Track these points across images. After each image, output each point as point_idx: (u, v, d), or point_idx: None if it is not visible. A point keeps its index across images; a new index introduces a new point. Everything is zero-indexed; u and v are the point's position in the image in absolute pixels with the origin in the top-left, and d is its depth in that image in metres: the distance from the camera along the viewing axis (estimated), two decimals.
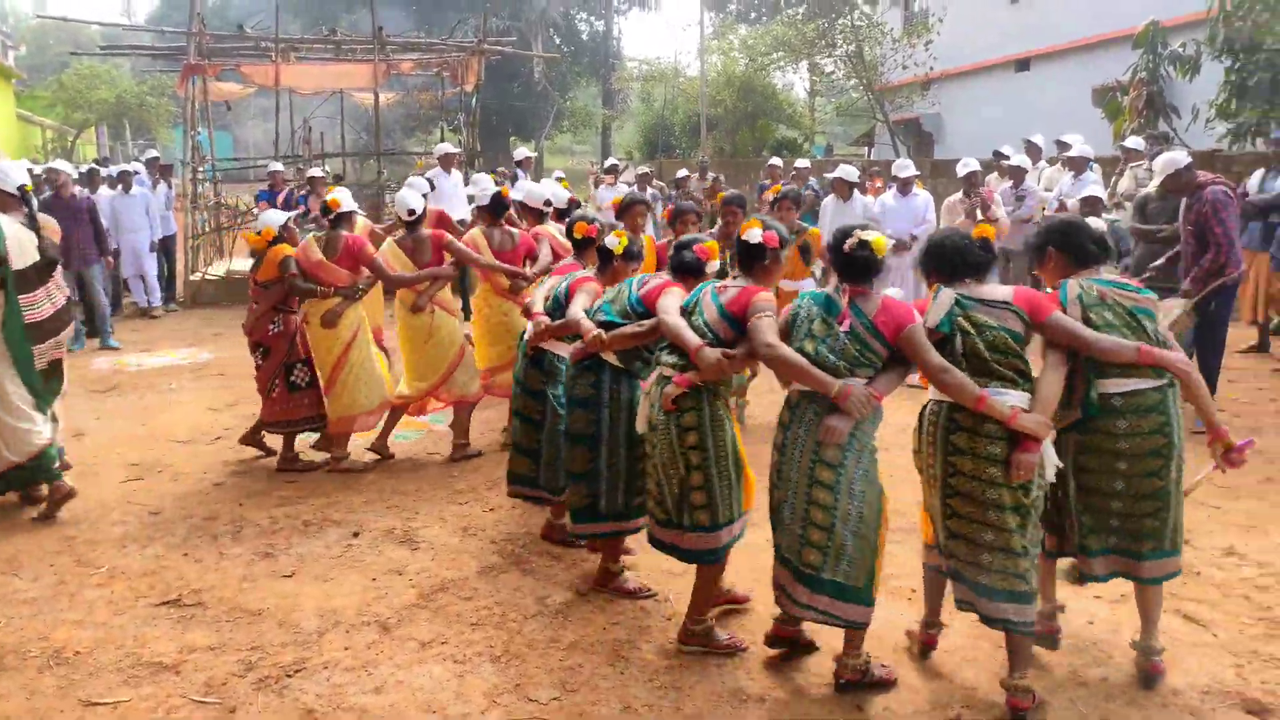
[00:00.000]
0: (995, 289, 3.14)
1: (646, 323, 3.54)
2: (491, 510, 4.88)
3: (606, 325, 3.64)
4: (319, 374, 5.58)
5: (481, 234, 5.65)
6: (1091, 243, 3.29)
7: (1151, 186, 6.59)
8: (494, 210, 5.70)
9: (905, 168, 8.39)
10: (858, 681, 3.15)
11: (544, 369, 4.26)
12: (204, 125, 13.08)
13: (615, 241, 4.02)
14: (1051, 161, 10.13)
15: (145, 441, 6.28)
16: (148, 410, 7.11)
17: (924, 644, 3.39)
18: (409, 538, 4.53)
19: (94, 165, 12.63)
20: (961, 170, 8.44)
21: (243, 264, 11.76)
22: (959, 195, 8.39)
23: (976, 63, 20.72)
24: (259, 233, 5.52)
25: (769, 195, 6.68)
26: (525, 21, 34.61)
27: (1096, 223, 4.66)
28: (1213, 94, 11.62)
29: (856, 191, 8.36)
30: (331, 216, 5.56)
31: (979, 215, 7.41)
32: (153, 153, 12.84)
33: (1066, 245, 3.30)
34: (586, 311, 3.78)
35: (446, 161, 10.41)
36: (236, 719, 3.09)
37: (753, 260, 3.35)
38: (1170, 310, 5.98)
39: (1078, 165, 8.83)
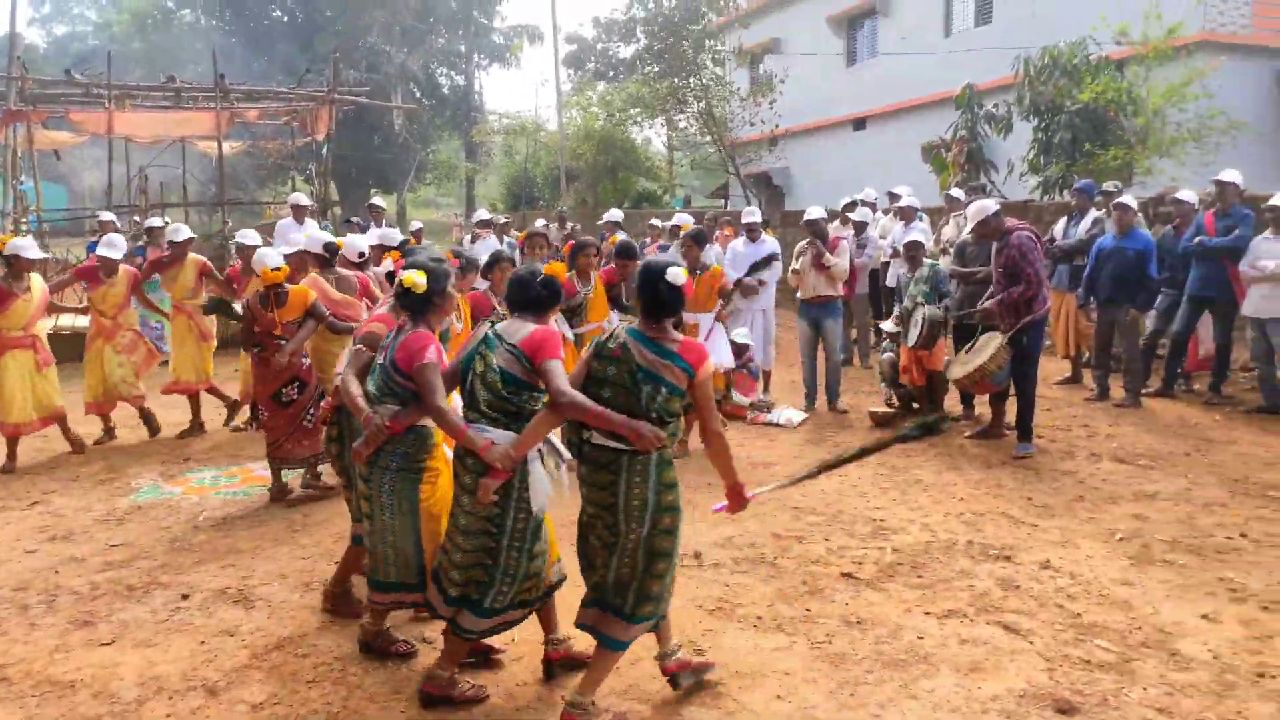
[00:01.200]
0: (519, 329, 3.23)
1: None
2: (335, 564, 4.69)
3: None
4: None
5: (320, 277, 5.72)
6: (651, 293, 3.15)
7: (964, 232, 7.13)
8: (326, 257, 5.98)
9: (751, 214, 8.75)
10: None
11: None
12: (28, 174, 12.23)
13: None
14: (885, 212, 10.81)
15: None
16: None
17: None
18: (244, 596, 4.30)
19: None
20: (807, 216, 8.91)
21: (71, 320, 10.98)
22: (805, 241, 8.82)
23: (819, 120, 21.98)
24: (274, 269, 5.54)
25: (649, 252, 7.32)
26: (384, 75, 34.33)
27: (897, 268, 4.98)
28: (1024, 150, 12.71)
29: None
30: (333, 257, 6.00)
31: (822, 260, 7.79)
32: None
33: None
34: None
35: (298, 212, 10.16)
36: None
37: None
38: (987, 344, 6.53)
39: (907, 215, 9.48)
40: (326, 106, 13.45)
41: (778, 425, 7.54)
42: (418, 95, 36.62)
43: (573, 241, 6.69)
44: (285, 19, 36.78)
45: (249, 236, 7.62)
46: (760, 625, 3.92)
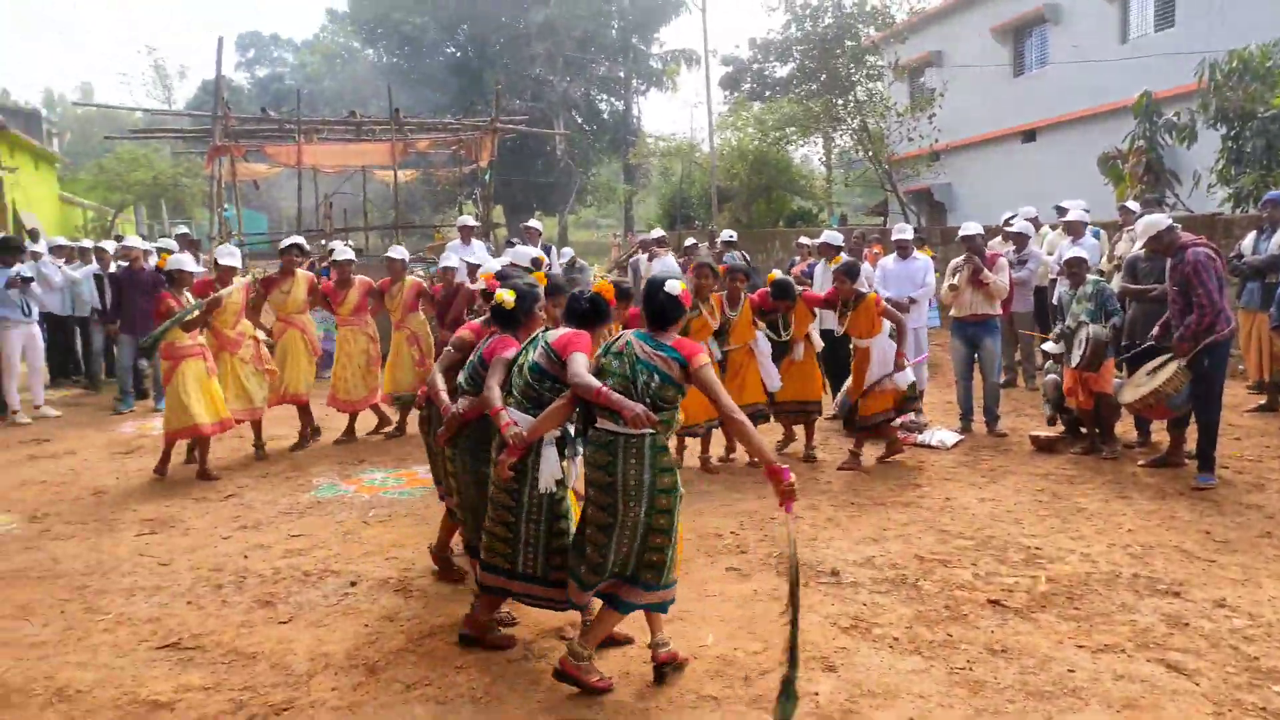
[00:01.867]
0: (558, 332, 3.71)
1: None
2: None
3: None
4: None
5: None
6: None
7: (1136, 248, 6.71)
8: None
9: (903, 231, 8.59)
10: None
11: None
12: (230, 202, 13.59)
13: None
14: (1054, 227, 10.30)
15: (160, 498, 6.44)
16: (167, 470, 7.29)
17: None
18: (404, 586, 4.63)
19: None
20: (962, 232, 8.67)
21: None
22: (961, 258, 8.56)
23: (984, 134, 21.15)
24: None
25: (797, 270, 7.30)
26: (547, 103, 35.80)
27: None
28: (1212, 160, 11.79)
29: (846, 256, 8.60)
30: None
31: (980, 277, 7.54)
32: (182, 228, 13.36)
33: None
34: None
35: (465, 233, 10.87)
36: None
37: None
38: (1165, 366, 6.10)
39: (1075, 230, 8.99)
40: (490, 135, 14.22)
41: (929, 446, 7.32)
42: (579, 121, 37.93)
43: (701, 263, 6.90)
44: (458, 55, 39.01)
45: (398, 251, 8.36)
46: (897, 646, 3.85)
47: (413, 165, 17.08)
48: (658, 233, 13.01)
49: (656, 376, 3.43)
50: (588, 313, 3.79)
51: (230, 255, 7.54)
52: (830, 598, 4.38)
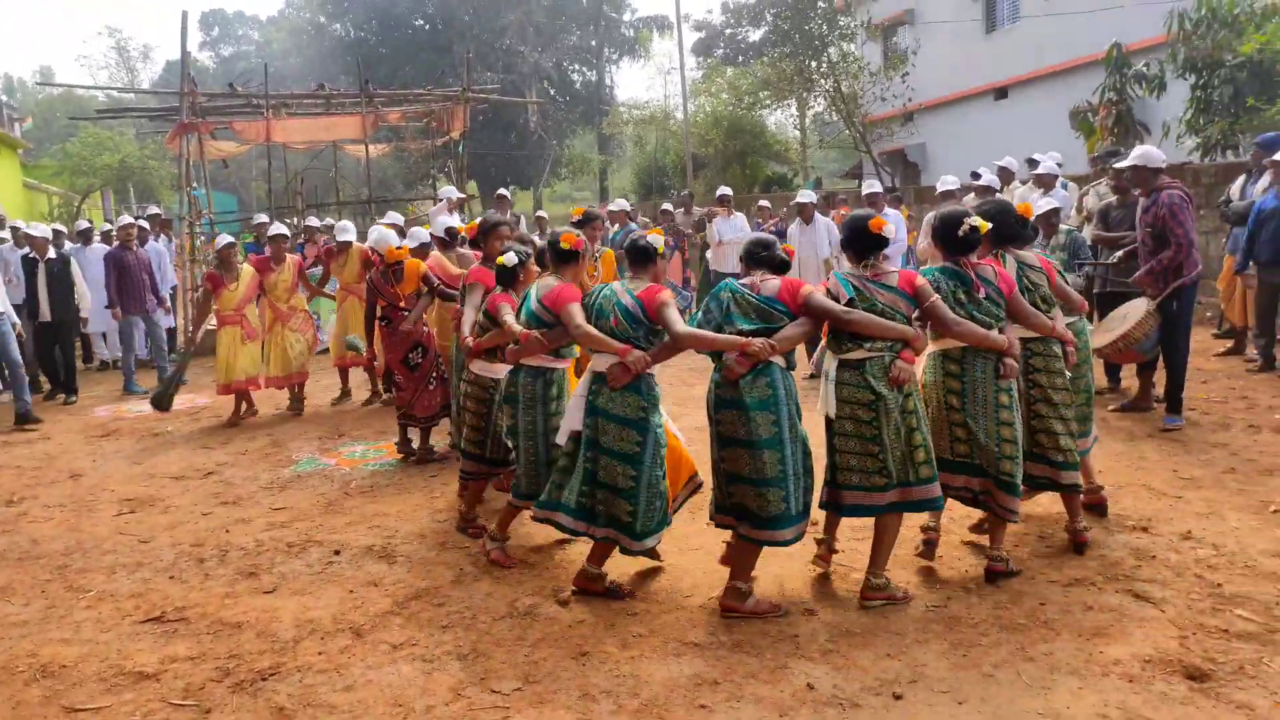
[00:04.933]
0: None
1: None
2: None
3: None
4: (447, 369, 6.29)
5: (443, 256, 6.48)
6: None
7: (1126, 163, 6.62)
8: (448, 239, 6.72)
9: (870, 186, 8.67)
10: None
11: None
12: (199, 182, 13.42)
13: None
14: (1023, 181, 10.35)
15: (139, 479, 6.43)
16: (144, 451, 7.28)
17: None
18: (388, 553, 4.67)
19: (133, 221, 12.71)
20: (940, 188, 8.81)
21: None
22: (934, 213, 8.65)
23: (957, 92, 21.15)
24: (396, 247, 6.47)
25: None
26: (519, 74, 35.40)
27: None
28: (1181, 110, 11.87)
29: (819, 215, 8.81)
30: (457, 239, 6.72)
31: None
32: (154, 209, 13.19)
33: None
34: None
35: (450, 204, 10.85)
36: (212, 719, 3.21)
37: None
38: (1134, 310, 6.18)
39: (1046, 183, 9.02)
40: (461, 105, 14.09)
41: None
42: (551, 92, 37.57)
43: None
44: (427, 27, 38.45)
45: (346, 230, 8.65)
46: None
47: (384, 139, 16.94)
48: (620, 204, 12.96)
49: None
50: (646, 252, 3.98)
51: (344, 230, 8.53)
52: (807, 544, 4.45)
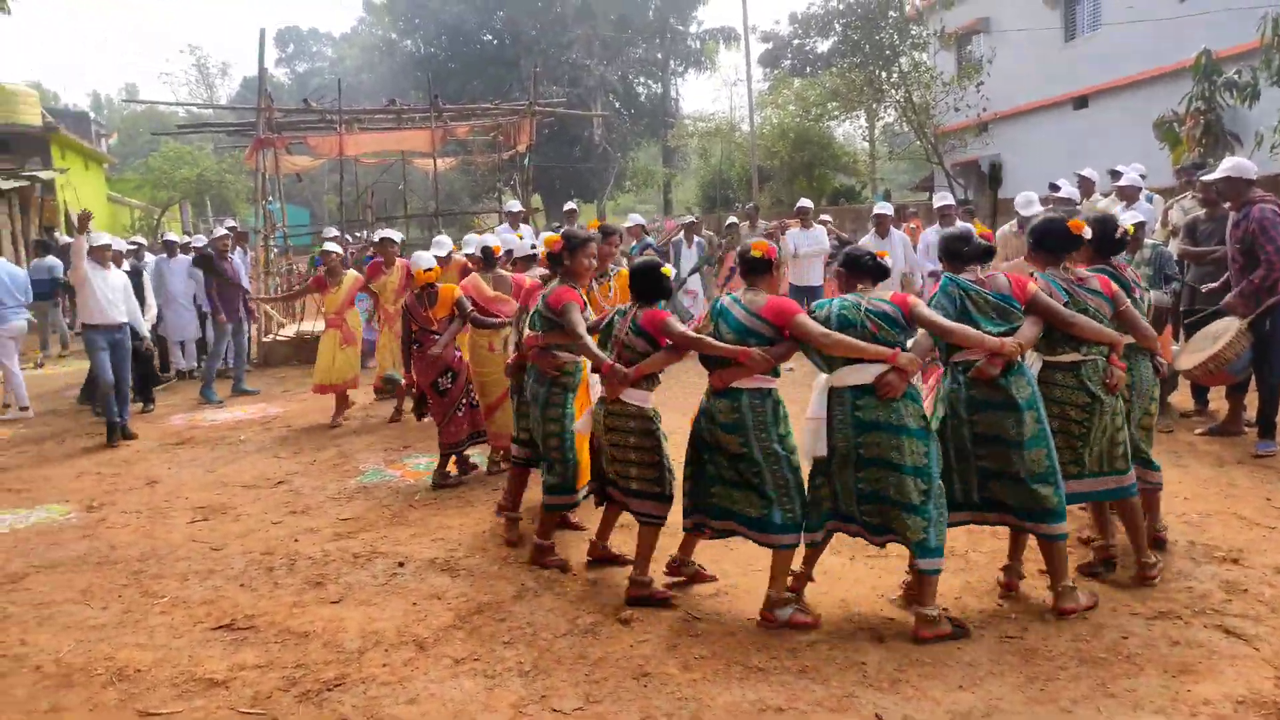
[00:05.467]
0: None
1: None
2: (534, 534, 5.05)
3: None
4: (484, 397, 6.25)
5: (480, 276, 6.35)
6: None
7: (1214, 175, 6.41)
8: (485, 259, 6.43)
9: (943, 198, 8.49)
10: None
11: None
12: (274, 196, 13.86)
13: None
14: (1105, 194, 10.06)
15: (212, 487, 6.64)
16: (217, 460, 7.51)
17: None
18: (451, 566, 4.73)
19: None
20: (1025, 209, 8.47)
21: (310, 325, 12.44)
22: (1011, 228, 8.45)
23: (1034, 102, 20.69)
24: (426, 270, 6.40)
25: None
26: (585, 88, 35.78)
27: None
28: (1274, 120, 11.41)
29: (893, 228, 8.68)
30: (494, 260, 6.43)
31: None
32: (230, 222, 13.66)
33: None
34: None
35: (513, 219, 11.03)
36: None
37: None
38: (1225, 329, 5.94)
39: (1129, 195, 8.75)
40: (527, 119, 14.30)
41: None
42: (616, 105, 37.85)
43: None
44: (494, 42, 39.16)
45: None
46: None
47: (452, 153, 17.25)
48: (804, 203, 12.58)
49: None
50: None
51: (437, 249, 8.34)
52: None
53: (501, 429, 6.14)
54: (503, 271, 6.44)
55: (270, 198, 13.56)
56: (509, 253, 6.61)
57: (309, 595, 4.46)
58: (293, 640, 3.96)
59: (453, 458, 6.39)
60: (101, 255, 8.11)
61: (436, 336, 6.28)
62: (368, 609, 4.25)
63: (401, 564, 4.80)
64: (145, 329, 8.84)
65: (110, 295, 8.01)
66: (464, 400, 6.33)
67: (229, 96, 48.42)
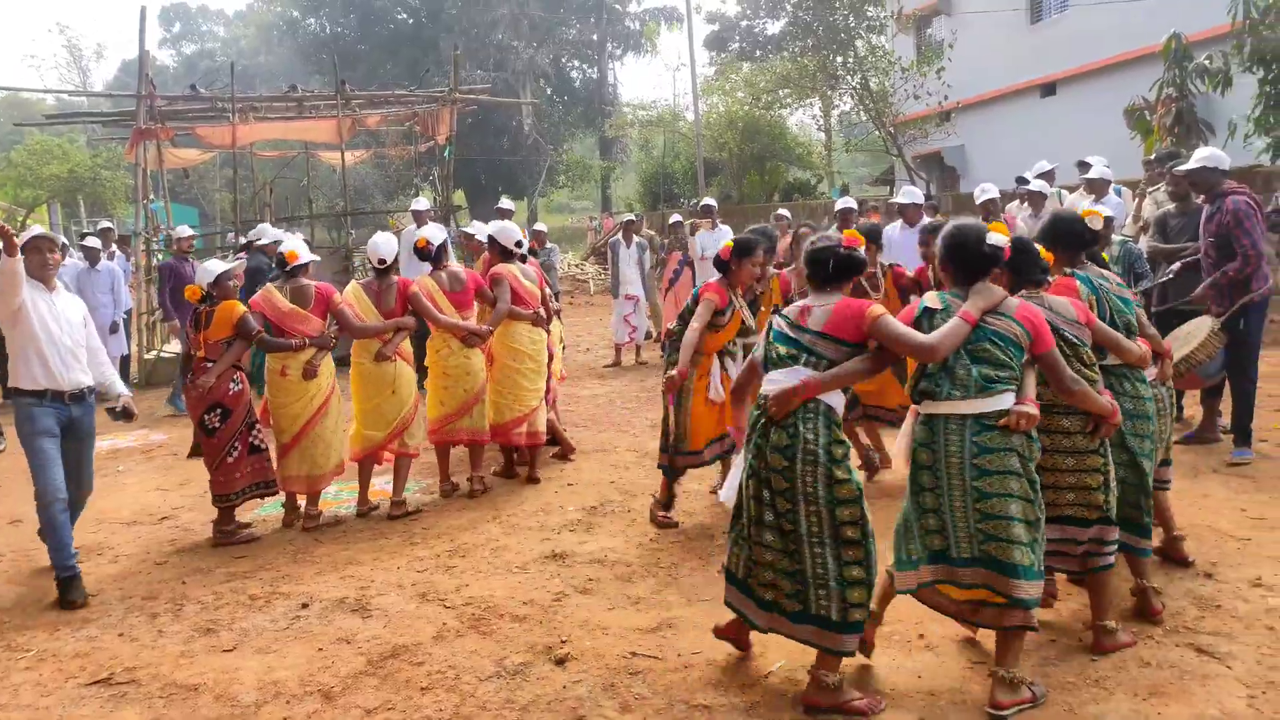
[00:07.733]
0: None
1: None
2: (449, 571, 5.05)
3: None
4: (279, 434, 6.00)
5: (432, 279, 6.32)
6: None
7: (1187, 167, 6.66)
8: (434, 258, 6.41)
9: (909, 195, 8.68)
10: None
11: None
12: (157, 194, 13.61)
13: None
14: (1073, 188, 10.42)
15: (87, 525, 6.43)
16: (93, 493, 7.29)
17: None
18: (362, 606, 4.69)
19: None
20: (980, 197, 8.89)
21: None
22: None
23: (998, 89, 21.30)
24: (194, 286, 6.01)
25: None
26: (512, 72, 35.82)
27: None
28: (1248, 108, 11.93)
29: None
30: (289, 268, 6.08)
31: None
32: (105, 223, 13.34)
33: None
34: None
35: (418, 218, 10.95)
36: None
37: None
38: (1197, 330, 6.20)
39: (1098, 188, 9.10)
40: (448, 107, 14.27)
41: None
42: (548, 92, 37.98)
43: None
44: (410, 21, 39.02)
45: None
46: (908, 645, 3.94)
47: (362, 145, 17.18)
48: (706, 202, 12.81)
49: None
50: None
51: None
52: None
53: (296, 472, 6.01)
54: (306, 281, 6.11)
55: (153, 196, 13.29)
56: (441, 247, 6.48)
57: (198, 644, 4.39)
58: (180, 695, 3.90)
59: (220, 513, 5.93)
60: (44, 265, 5.11)
61: (208, 364, 5.80)
62: (266, 657, 4.19)
63: (305, 605, 4.75)
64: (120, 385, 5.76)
65: (65, 340, 5.13)
66: (236, 444, 5.85)
67: (105, 82, 47.33)
